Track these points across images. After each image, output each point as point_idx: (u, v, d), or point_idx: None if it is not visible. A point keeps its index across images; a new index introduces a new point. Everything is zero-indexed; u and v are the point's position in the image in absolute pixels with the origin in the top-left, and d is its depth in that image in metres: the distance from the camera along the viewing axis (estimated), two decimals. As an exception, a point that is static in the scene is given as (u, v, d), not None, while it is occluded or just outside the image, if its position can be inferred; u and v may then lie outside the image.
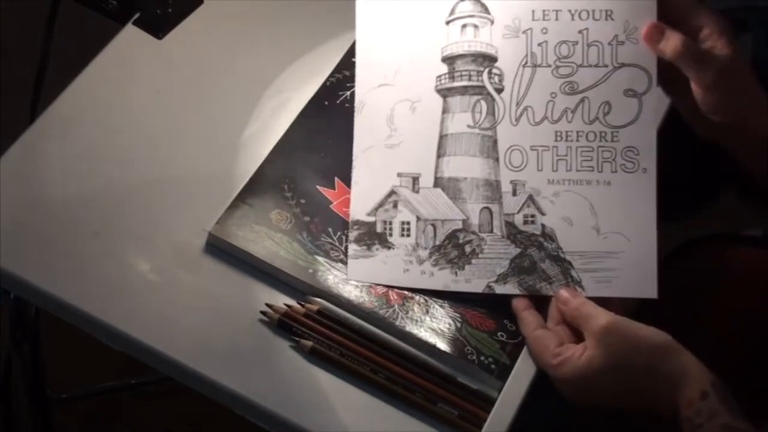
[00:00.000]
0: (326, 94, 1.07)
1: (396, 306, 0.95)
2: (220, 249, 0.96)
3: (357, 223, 0.96)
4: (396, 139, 0.97)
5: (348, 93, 1.07)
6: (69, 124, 1.00)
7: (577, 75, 0.97)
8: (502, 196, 0.97)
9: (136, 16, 1.07)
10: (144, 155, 1.00)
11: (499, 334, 0.95)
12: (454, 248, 0.96)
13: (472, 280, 0.95)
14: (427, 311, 0.96)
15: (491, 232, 0.97)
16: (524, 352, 0.94)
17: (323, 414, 0.90)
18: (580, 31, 0.96)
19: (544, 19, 0.96)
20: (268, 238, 0.96)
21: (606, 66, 0.96)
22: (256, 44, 1.09)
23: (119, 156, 1.00)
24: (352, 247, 0.95)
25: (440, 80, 0.98)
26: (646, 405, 0.90)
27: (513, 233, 0.97)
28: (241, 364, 0.92)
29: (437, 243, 0.96)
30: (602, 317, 0.91)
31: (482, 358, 0.94)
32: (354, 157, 0.97)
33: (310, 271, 0.96)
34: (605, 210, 0.96)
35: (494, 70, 0.97)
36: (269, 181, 1.00)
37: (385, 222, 0.96)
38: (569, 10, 0.96)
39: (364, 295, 0.95)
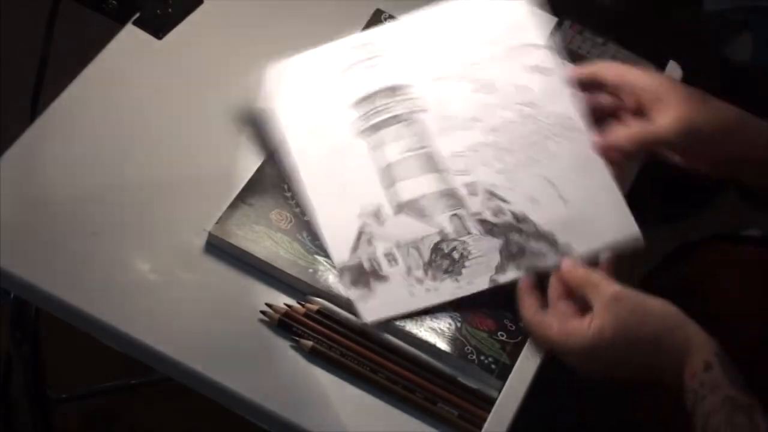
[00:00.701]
0: (326, 94, 1.07)
1: (396, 306, 0.95)
2: (220, 249, 0.96)
3: (344, 268, 0.95)
4: (340, 186, 0.98)
5: (348, 93, 1.07)
6: (69, 124, 1.00)
7: (483, 72, 1.01)
8: (462, 199, 0.98)
9: (136, 16, 1.08)
10: (144, 155, 1.00)
11: (499, 333, 0.95)
12: (443, 259, 0.96)
13: (474, 281, 0.95)
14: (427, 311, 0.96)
15: (469, 233, 0.97)
16: (524, 351, 0.94)
17: (323, 414, 0.90)
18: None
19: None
20: (268, 237, 0.96)
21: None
22: (256, 44, 1.09)
23: (119, 156, 1.00)
24: (353, 293, 0.94)
25: (359, 123, 0.98)
26: (653, 375, 0.90)
27: (489, 228, 0.98)
28: (241, 363, 0.92)
29: (426, 260, 0.96)
30: (610, 286, 0.92)
31: (482, 357, 0.94)
32: (313, 214, 0.97)
33: (310, 270, 0.96)
34: (561, 178, 0.99)
35: (410, 94, 1.00)
36: (269, 181, 1.00)
37: (369, 259, 0.96)
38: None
39: (364, 295, 0.95)
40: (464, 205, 0.98)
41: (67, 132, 1.00)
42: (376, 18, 1.12)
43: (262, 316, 0.93)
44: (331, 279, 0.95)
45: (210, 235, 0.96)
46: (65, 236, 0.95)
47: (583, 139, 1.01)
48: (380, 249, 0.96)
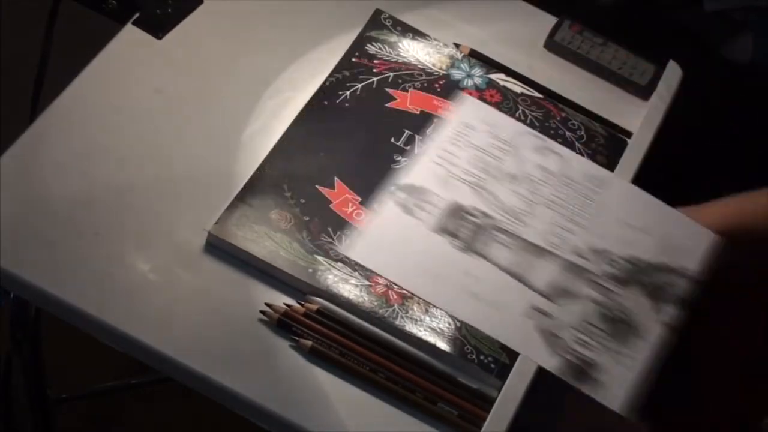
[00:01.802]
0: (326, 94, 1.07)
1: (396, 305, 0.95)
2: (219, 249, 0.96)
3: (561, 372, 0.93)
4: (491, 303, 0.96)
5: (347, 93, 1.07)
6: (69, 124, 1.00)
7: (504, 169, 1.02)
8: (583, 267, 0.98)
9: (136, 16, 1.07)
10: (144, 155, 1.00)
11: (499, 333, 0.95)
12: (616, 323, 0.96)
13: (649, 330, 0.95)
14: (427, 311, 0.96)
15: (611, 291, 0.97)
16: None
17: (323, 414, 0.90)
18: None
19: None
20: (267, 237, 0.96)
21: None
22: (255, 44, 1.09)
23: (119, 156, 1.00)
24: (586, 389, 0.93)
25: (459, 243, 0.97)
26: None
27: (621, 280, 0.98)
28: (241, 363, 0.92)
29: (609, 332, 0.96)
30: None
31: (482, 357, 0.94)
32: (496, 336, 0.95)
33: (310, 270, 0.96)
34: (628, 215, 1.01)
35: (470, 208, 1.00)
36: (269, 181, 1.00)
37: (570, 353, 0.94)
38: None
39: (363, 295, 0.95)
40: (589, 270, 0.98)
41: (67, 132, 1.00)
42: (376, 18, 1.12)
43: (261, 316, 0.93)
44: (331, 279, 0.95)
45: (210, 235, 0.96)
46: (65, 236, 0.95)
47: (615, 181, 1.03)
48: (568, 338, 0.94)
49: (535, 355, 0.93)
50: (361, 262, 0.94)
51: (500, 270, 0.96)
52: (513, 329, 0.93)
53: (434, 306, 0.96)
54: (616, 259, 0.98)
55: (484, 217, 0.98)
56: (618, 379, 0.93)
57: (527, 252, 0.97)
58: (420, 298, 0.95)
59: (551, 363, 0.92)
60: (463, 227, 0.97)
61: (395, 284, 0.95)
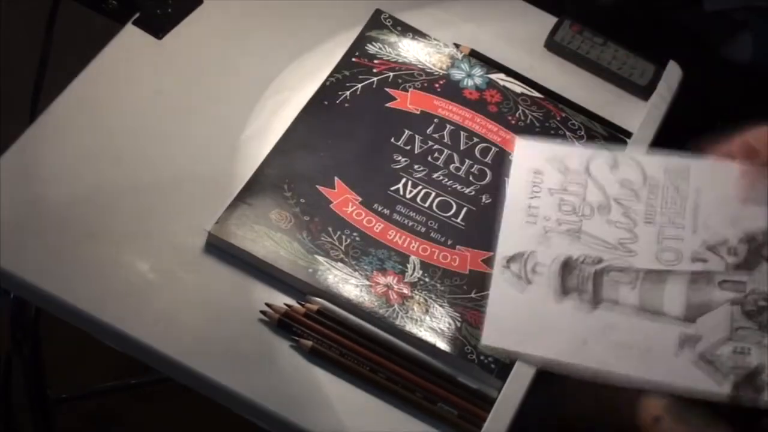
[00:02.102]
0: (326, 93, 1.07)
1: (396, 305, 0.95)
2: (219, 249, 0.96)
3: None
4: (643, 350, 0.94)
5: (347, 93, 1.07)
6: (69, 124, 1.00)
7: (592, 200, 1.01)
8: (708, 270, 0.97)
9: (136, 16, 1.07)
10: (144, 155, 1.00)
11: (499, 334, 0.95)
12: (760, 314, 0.94)
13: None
14: (427, 311, 0.96)
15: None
16: (524, 352, 0.94)
17: (323, 414, 0.90)
18: None
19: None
20: (267, 237, 0.96)
21: None
22: (255, 44, 1.09)
23: (119, 156, 1.00)
24: None
25: (587, 298, 0.96)
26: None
27: (747, 260, 0.97)
28: (241, 363, 0.92)
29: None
30: None
31: (482, 357, 0.94)
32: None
33: (310, 270, 0.96)
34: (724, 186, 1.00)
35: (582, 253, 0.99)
36: (269, 180, 1.00)
37: (735, 367, 0.92)
38: None
39: (364, 295, 0.95)
40: (713, 271, 0.96)
41: (66, 132, 1.00)
42: (376, 18, 1.12)
43: (262, 316, 0.93)
44: (331, 279, 0.95)
45: (210, 235, 0.96)
46: (65, 236, 0.95)
47: (696, 165, 1.01)
48: (727, 354, 0.92)
49: (703, 388, 0.90)
50: (506, 348, 0.93)
51: (635, 313, 0.94)
52: (670, 368, 0.91)
53: (591, 372, 0.92)
54: (734, 245, 0.96)
55: (594, 262, 0.97)
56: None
57: (650, 281, 0.96)
58: (577, 367, 0.92)
59: (725, 391, 0.90)
60: (583, 281, 0.96)
61: (551, 360, 0.93)
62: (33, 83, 1.16)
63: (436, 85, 1.10)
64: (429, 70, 1.11)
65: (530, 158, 1.04)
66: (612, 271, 0.96)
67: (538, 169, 1.02)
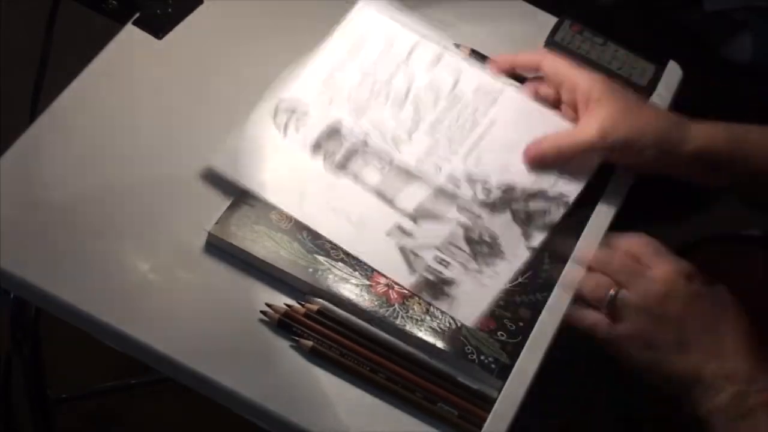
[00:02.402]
0: (325, 93, 1.07)
1: (396, 305, 0.95)
2: (220, 249, 0.96)
3: (418, 288, 0.96)
4: (357, 222, 0.99)
5: (347, 92, 1.07)
6: (69, 124, 1.00)
7: (395, 87, 1.06)
8: (454, 193, 1.01)
9: (136, 16, 1.07)
10: (144, 155, 1.00)
11: (499, 333, 0.95)
12: (481, 245, 0.99)
13: (517, 253, 0.99)
14: (427, 310, 0.96)
15: (480, 217, 1.00)
16: (524, 351, 0.94)
17: (323, 414, 0.90)
18: None
19: None
20: (268, 237, 0.96)
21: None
22: (255, 44, 1.09)
23: (119, 156, 1.00)
24: (441, 305, 0.96)
25: (328, 165, 1.00)
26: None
27: (491, 207, 1.01)
28: (241, 363, 0.92)
29: (470, 252, 0.98)
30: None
31: (482, 357, 0.94)
32: (354, 254, 0.97)
33: (310, 270, 0.96)
34: (512, 138, 1.04)
35: (348, 127, 1.03)
36: (269, 180, 1.00)
37: (428, 271, 0.97)
38: None
39: (364, 295, 0.95)
40: (459, 196, 1.01)
41: (67, 132, 1.00)
42: (376, 18, 1.12)
43: (262, 316, 0.93)
44: (331, 278, 0.95)
45: (210, 235, 0.96)
46: (65, 236, 0.95)
47: (508, 95, 1.06)
48: (429, 258, 0.97)
49: (393, 273, 0.96)
50: (225, 174, 0.97)
51: (367, 191, 0.99)
52: (374, 247, 0.97)
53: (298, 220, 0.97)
54: (491, 188, 1.01)
55: (359, 140, 1.01)
56: (472, 296, 0.96)
57: (398, 177, 1.00)
58: (283, 211, 0.97)
59: (409, 281, 0.96)
60: (338, 149, 1.00)
61: (258, 196, 0.97)
62: (33, 83, 1.16)
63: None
64: (429, 70, 1.11)
65: (363, 23, 1.07)
66: (369, 154, 1.01)
67: (363, 37, 1.06)
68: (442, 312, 0.95)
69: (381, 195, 1.00)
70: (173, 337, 0.91)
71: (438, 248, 0.98)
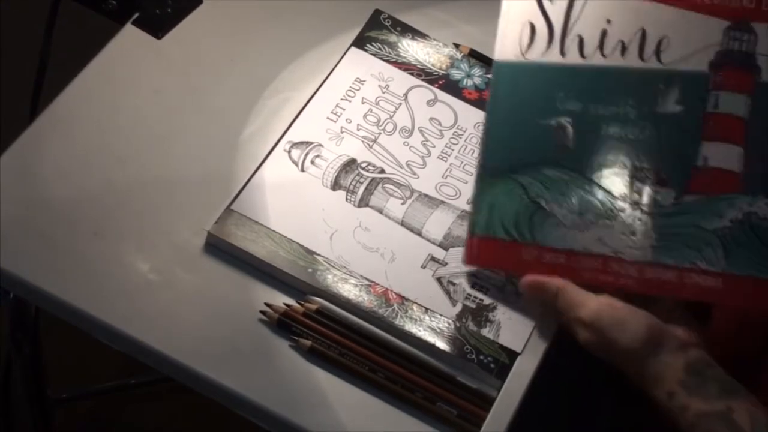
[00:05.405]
0: (325, 93, 1.07)
1: (395, 305, 0.95)
2: (219, 249, 0.96)
3: (463, 318, 0.96)
4: (388, 256, 0.98)
5: (347, 93, 1.08)
6: (69, 124, 1.01)
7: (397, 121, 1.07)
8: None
9: (136, 16, 1.08)
10: (143, 155, 1.00)
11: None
12: None
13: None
14: (427, 310, 0.96)
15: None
16: (524, 351, 0.94)
17: (322, 413, 0.90)
18: None
19: None
20: (267, 237, 0.96)
21: None
22: (255, 44, 1.09)
23: (119, 156, 1.00)
24: (492, 332, 0.96)
25: (353, 198, 1.00)
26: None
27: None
28: (241, 363, 0.92)
29: None
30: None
31: (481, 357, 0.94)
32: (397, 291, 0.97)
33: (310, 270, 0.96)
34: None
35: (362, 162, 1.03)
36: (268, 180, 1.00)
37: (467, 298, 0.96)
38: None
39: (363, 294, 0.95)
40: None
41: (66, 132, 1.00)
42: (376, 18, 1.12)
43: (261, 316, 0.94)
44: (330, 278, 0.96)
45: (209, 235, 0.96)
46: (65, 236, 0.95)
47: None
48: (466, 285, 0.97)
49: (438, 307, 0.96)
50: (253, 218, 0.96)
51: (394, 225, 0.99)
52: (414, 283, 0.96)
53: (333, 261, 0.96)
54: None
55: (376, 171, 1.01)
56: (515, 320, 0.96)
57: (422, 205, 1.00)
58: (319, 254, 0.96)
59: (453, 312, 0.96)
60: (358, 182, 1.00)
61: (287, 239, 0.96)
62: (33, 83, 1.16)
63: (436, 85, 1.10)
64: (428, 70, 1.11)
65: (358, 67, 1.08)
66: (389, 184, 1.01)
67: (360, 78, 1.07)
68: (442, 312, 0.95)
69: (408, 227, 0.99)
70: (173, 336, 0.91)
71: (473, 273, 0.98)
